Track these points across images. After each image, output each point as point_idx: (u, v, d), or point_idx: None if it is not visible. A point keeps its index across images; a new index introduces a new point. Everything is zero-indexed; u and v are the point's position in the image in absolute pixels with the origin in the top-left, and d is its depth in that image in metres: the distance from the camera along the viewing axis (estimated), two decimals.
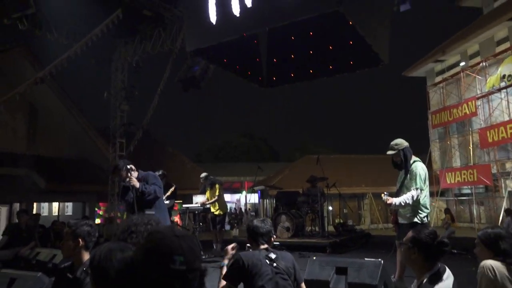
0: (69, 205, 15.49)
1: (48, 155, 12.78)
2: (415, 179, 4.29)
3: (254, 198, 27.72)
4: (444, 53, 19.46)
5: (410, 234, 2.45)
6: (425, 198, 4.34)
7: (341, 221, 13.66)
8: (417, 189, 4.25)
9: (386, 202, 4.21)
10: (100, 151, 13.53)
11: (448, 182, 18.60)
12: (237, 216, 20.88)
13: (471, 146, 17.89)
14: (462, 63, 18.84)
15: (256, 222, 2.80)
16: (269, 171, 24.12)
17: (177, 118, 78.43)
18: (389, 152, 4.46)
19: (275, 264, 2.55)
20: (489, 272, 2.43)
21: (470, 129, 18.14)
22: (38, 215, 9.38)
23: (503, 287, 2.37)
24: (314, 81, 9.48)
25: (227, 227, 19.98)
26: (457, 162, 19.44)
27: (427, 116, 21.12)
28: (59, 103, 12.71)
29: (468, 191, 18.81)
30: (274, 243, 7.97)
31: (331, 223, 17.83)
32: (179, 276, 1.11)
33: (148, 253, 1.14)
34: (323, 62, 8.69)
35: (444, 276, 2.24)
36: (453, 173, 18.45)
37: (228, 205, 30.23)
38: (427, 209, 4.40)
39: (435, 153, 21.02)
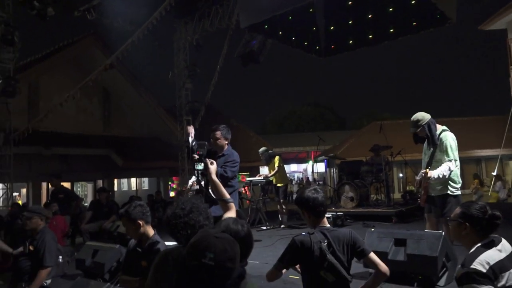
0: (145, 180, 16.66)
1: (122, 135, 13.77)
2: (447, 151, 4.03)
3: (321, 167, 27.66)
4: None
5: (458, 209, 2.35)
6: (456, 168, 4.08)
7: (413, 188, 13.14)
8: (450, 160, 4.00)
9: (425, 176, 3.98)
10: (169, 128, 14.26)
11: None
12: (305, 186, 21.00)
13: None
14: None
15: (310, 193, 2.52)
16: (335, 140, 23.81)
17: (240, 93, 79.31)
18: (413, 130, 4.21)
19: (331, 250, 2.38)
20: None
21: None
22: (108, 192, 10.26)
23: None
24: (375, 47, 9.09)
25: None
26: None
27: (508, 72, 19.30)
28: (129, 86, 13.52)
29: None
30: (338, 213, 7.91)
31: (401, 191, 17.31)
32: (207, 270, 1.33)
33: (190, 245, 1.41)
34: (383, 26, 8.30)
35: (498, 247, 2.13)
36: None
37: (296, 175, 30.42)
38: (459, 180, 4.15)
39: None
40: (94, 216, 7.69)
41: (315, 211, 2.50)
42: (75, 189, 14.04)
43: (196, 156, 3.57)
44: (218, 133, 4.45)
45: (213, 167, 2.80)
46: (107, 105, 13.77)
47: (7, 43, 8.95)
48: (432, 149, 4.16)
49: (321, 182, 20.65)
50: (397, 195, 12.92)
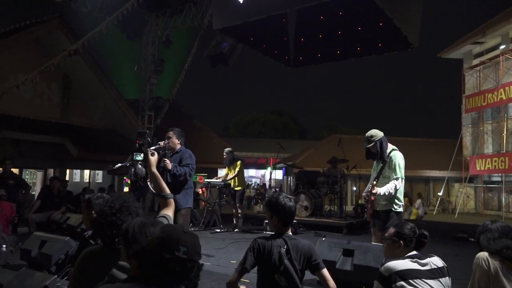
0: (99, 173, 16.17)
1: (80, 124, 13.31)
2: (395, 169, 4.26)
3: (279, 174, 27.99)
4: (484, 34, 18.61)
5: (392, 229, 2.69)
6: (400, 187, 4.34)
7: (363, 202, 13.64)
8: (397, 178, 4.23)
9: (371, 190, 4.20)
10: (130, 122, 13.94)
11: (478, 168, 18.17)
12: (261, 192, 21.17)
13: (505, 133, 17.31)
14: (502, 46, 18.00)
15: (286, 200, 2.57)
16: (295, 149, 24.20)
17: (206, 94, 78.82)
18: (366, 145, 4.46)
19: (288, 256, 2.46)
20: (483, 263, 2.52)
21: (506, 115, 17.50)
22: (66, 181, 9.91)
23: (496, 278, 2.45)
24: (341, 62, 9.38)
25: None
26: (489, 149, 18.90)
27: (461, 100, 20.48)
28: (92, 74, 13.07)
29: (498, 178, 18.31)
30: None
31: (353, 203, 17.87)
32: (180, 262, 1.41)
33: (161, 240, 1.45)
34: (351, 43, 8.60)
35: (422, 261, 2.44)
36: (484, 160, 17.98)
37: (253, 180, 30.60)
38: (402, 199, 4.43)
39: (467, 138, 20.47)
40: (43, 205, 7.41)
41: (286, 219, 2.58)
42: (23, 176, 13.40)
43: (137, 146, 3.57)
44: (171, 133, 4.94)
45: (153, 158, 2.57)
46: (67, 92, 13.25)
47: None
48: (381, 165, 4.38)
49: (277, 189, 20.89)
50: (349, 208, 13.32)
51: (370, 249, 3.81)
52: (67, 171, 14.09)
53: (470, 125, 20.29)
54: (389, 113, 74.39)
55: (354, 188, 19.95)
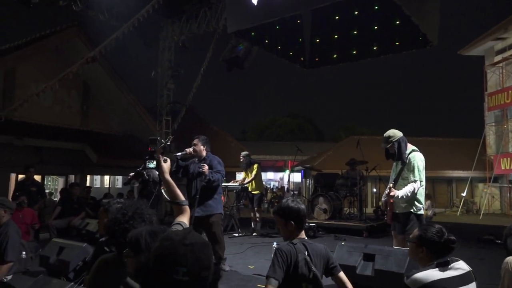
0: (119, 178, 16.36)
1: (99, 130, 13.50)
2: (413, 171, 4.16)
3: (297, 177, 27.80)
4: (506, 30, 18.08)
5: (417, 231, 2.48)
6: (421, 189, 4.20)
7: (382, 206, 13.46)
8: (415, 181, 4.12)
9: (389, 193, 4.09)
10: (148, 128, 14.06)
11: (503, 168, 17.63)
12: (278, 195, 21.05)
13: None
14: None
15: (295, 203, 2.55)
16: (313, 151, 23.99)
17: (223, 98, 79.15)
18: (384, 145, 4.33)
19: (309, 260, 2.38)
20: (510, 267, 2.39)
21: None
22: (89, 187, 10.03)
23: None
24: (359, 62, 9.23)
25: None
26: None
27: (483, 97, 19.95)
28: (110, 81, 13.27)
29: None
30: (311, 224, 7.99)
31: (374, 206, 17.56)
32: (182, 286, 1.15)
33: (155, 260, 1.20)
34: (367, 43, 8.46)
35: (453, 265, 2.24)
36: (508, 159, 17.44)
37: (272, 183, 30.59)
38: (422, 201, 4.30)
39: (490, 137, 19.89)
40: (63, 211, 7.50)
41: (301, 222, 2.52)
42: (45, 183, 13.67)
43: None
44: (196, 140, 5.04)
45: (166, 165, 2.49)
46: (86, 99, 13.47)
47: None
48: (400, 166, 4.27)
49: (296, 192, 20.74)
50: (369, 210, 13.09)
51: (392, 254, 3.69)
52: (88, 177, 14.30)
53: (493, 123, 19.72)
54: (408, 112, 73.19)
55: (374, 190, 19.64)
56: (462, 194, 19.96)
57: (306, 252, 2.40)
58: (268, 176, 30.04)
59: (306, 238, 2.56)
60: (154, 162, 2.78)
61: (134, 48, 13.68)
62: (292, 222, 2.50)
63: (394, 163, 4.41)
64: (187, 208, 2.30)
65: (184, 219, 2.22)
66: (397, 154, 4.23)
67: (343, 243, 4.31)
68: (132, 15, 10.38)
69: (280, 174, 30.52)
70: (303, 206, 2.55)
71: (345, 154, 11.29)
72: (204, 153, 5.03)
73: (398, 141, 4.23)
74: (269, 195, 22.67)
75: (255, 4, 6.75)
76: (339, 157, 16.45)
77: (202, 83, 13.16)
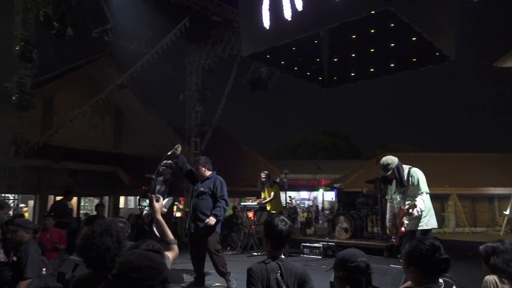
0: None
1: (131, 153, 14.07)
2: (419, 184, 4.23)
3: (331, 196, 27.34)
4: None
5: (407, 247, 2.27)
6: (427, 202, 4.19)
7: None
8: (422, 193, 4.18)
9: (409, 211, 4.07)
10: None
11: None
12: (309, 216, 20.75)
13: None
14: None
15: (279, 223, 2.54)
16: (347, 169, 23.62)
17: (255, 118, 79.39)
18: (383, 173, 4.35)
19: (280, 279, 2.43)
20: (492, 287, 2.34)
21: None
22: (118, 208, 10.44)
23: None
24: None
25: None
26: None
27: None
28: (140, 105, 13.90)
29: None
30: (330, 243, 7.88)
31: None
32: (116, 278, 1.51)
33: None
34: (384, 60, 8.45)
35: None
36: None
37: (306, 203, 30.24)
38: (428, 213, 4.25)
39: None
40: None
41: (277, 242, 2.55)
42: (82, 204, 14.31)
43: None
44: (196, 163, 5.23)
45: (158, 205, 2.52)
46: (118, 123, 14.16)
47: (26, 60, 9.38)
48: (400, 189, 4.30)
49: (327, 212, 20.47)
50: None
51: (388, 272, 3.67)
52: (121, 198, 14.86)
53: None
54: (443, 129, 70.54)
55: None
56: (504, 212, 18.95)
57: (279, 272, 2.45)
58: (302, 195, 29.77)
59: (283, 257, 2.61)
60: (147, 201, 2.92)
61: (162, 73, 14.28)
62: (268, 240, 2.56)
63: (393, 188, 4.46)
64: (175, 247, 2.37)
65: (170, 255, 2.28)
66: (399, 180, 4.30)
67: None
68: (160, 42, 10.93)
69: (314, 193, 30.20)
70: (282, 227, 2.51)
71: (377, 173, 11.07)
72: (206, 173, 5.15)
73: (397, 167, 4.33)
74: (303, 215, 22.23)
75: (267, 28, 6.97)
76: (370, 175, 16.16)
77: (233, 104, 13.56)
